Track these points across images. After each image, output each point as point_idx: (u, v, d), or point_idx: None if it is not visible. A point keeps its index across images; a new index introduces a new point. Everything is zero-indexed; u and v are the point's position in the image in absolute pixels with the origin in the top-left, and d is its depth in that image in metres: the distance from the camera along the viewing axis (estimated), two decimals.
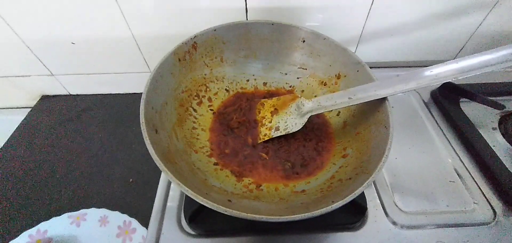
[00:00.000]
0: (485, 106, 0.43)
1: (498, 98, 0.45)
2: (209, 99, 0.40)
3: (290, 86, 0.43)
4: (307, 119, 0.36)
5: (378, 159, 0.27)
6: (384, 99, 0.32)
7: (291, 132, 0.36)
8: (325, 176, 0.33)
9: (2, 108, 0.59)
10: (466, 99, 0.46)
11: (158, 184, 0.38)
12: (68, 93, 0.57)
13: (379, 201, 0.35)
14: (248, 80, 0.43)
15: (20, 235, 0.37)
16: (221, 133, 0.37)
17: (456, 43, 0.53)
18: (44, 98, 0.57)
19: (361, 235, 0.33)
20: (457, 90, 0.46)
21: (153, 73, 0.31)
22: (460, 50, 0.54)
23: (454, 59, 0.55)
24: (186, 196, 0.33)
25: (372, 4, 0.44)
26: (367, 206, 0.33)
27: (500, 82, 0.48)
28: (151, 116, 0.29)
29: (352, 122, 0.37)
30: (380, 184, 0.37)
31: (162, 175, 0.38)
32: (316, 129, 0.38)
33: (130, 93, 0.57)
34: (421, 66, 0.54)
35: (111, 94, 0.57)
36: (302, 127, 0.36)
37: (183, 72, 0.36)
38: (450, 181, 0.37)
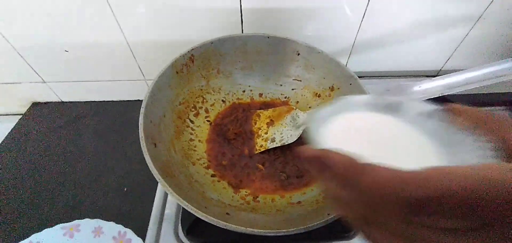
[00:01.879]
0: None
1: (482, 108, 0.47)
2: (206, 110, 0.40)
3: (285, 97, 0.44)
4: (302, 131, 0.37)
5: None
6: None
7: (286, 143, 0.37)
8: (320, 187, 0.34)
9: None
10: None
11: (153, 193, 0.38)
12: (60, 100, 0.56)
13: None
14: (244, 91, 0.44)
15: None
16: (218, 144, 0.38)
17: (444, 53, 0.55)
18: (35, 105, 0.56)
19: None
20: (443, 101, 0.48)
21: (152, 86, 0.31)
22: (447, 60, 0.56)
23: (441, 68, 0.58)
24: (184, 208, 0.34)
25: (364, 15, 0.46)
26: None
27: (484, 93, 0.50)
28: (150, 129, 0.29)
29: None
30: None
31: (159, 185, 0.38)
32: None
33: (124, 101, 0.57)
34: (410, 76, 0.57)
35: (104, 101, 0.57)
36: (298, 138, 0.37)
37: (181, 84, 0.36)
38: None
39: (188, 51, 0.36)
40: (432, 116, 0.15)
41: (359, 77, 0.37)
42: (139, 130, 0.28)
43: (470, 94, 0.49)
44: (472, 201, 0.09)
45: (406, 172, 0.11)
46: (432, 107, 0.15)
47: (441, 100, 0.47)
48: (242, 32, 0.45)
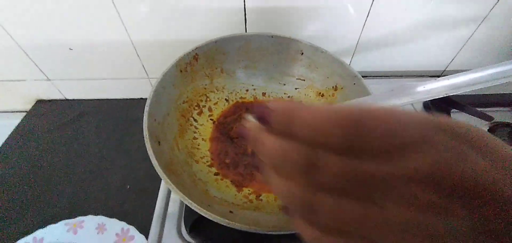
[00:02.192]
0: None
1: (487, 109, 0.47)
2: (209, 109, 0.40)
3: (289, 97, 0.44)
4: None
5: None
6: None
7: None
8: None
9: None
10: (457, 110, 0.47)
11: (155, 190, 0.38)
12: (64, 98, 0.57)
13: None
14: (247, 90, 0.44)
15: None
16: (221, 142, 0.38)
17: (448, 53, 0.55)
18: (40, 103, 0.56)
19: None
20: (448, 101, 0.48)
21: (156, 85, 0.31)
22: (452, 60, 0.56)
23: (445, 69, 0.57)
24: (187, 205, 0.34)
25: (368, 15, 0.45)
26: None
27: (489, 94, 0.50)
28: (154, 128, 0.29)
29: None
30: None
31: (163, 183, 0.38)
32: None
33: (127, 99, 0.57)
34: (414, 76, 0.57)
35: (108, 99, 0.57)
36: None
37: (185, 83, 0.37)
38: None
39: (192, 50, 0.36)
40: None
41: (363, 76, 0.37)
42: (144, 129, 0.28)
43: (475, 95, 0.49)
44: (394, 119, 0.11)
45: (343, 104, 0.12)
46: None
47: (442, 98, 0.47)
48: (246, 31, 0.45)
